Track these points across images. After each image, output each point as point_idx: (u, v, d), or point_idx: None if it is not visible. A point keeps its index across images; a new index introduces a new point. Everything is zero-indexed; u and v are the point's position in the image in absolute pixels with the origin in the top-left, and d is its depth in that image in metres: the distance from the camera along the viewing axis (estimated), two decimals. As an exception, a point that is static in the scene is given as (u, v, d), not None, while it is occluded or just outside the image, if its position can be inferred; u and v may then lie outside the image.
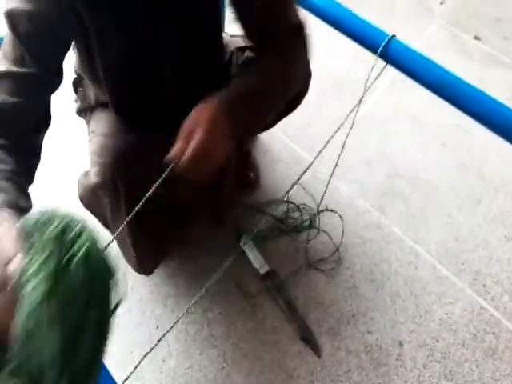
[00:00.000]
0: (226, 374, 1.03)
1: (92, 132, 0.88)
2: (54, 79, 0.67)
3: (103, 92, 0.84)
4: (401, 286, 1.17)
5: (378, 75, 0.96)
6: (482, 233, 1.28)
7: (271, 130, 1.17)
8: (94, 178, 0.81)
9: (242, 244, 1.23)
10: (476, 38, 1.80)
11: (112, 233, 0.96)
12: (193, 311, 1.12)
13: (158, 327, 1.09)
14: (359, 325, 1.10)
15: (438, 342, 1.08)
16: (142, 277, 1.17)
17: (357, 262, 1.22)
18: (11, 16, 0.61)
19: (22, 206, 0.54)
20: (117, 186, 0.80)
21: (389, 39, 0.96)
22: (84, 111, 0.97)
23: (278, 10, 0.74)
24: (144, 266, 1.01)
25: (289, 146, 1.46)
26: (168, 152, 0.64)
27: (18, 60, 0.62)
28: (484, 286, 1.18)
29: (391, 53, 0.97)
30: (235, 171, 1.14)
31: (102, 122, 0.87)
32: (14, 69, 0.61)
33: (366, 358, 1.05)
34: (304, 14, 0.81)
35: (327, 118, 1.50)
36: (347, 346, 1.07)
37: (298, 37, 0.77)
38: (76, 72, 0.93)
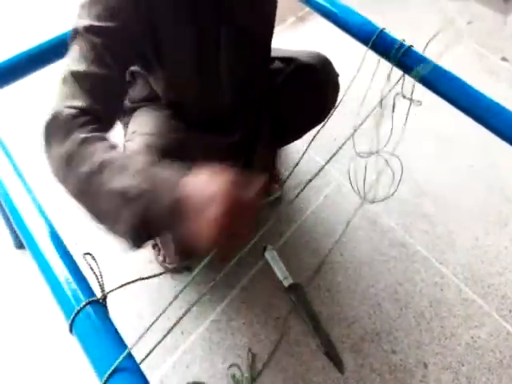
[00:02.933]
0: (248, 385, 1.01)
1: (133, 132, 0.88)
2: (126, 84, 0.67)
3: (161, 89, 0.84)
4: (426, 306, 1.14)
5: (394, 85, 0.95)
6: (508, 256, 1.24)
7: (297, 143, 1.17)
8: None
9: (266, 255, 1.21)
10: (504, 59, 1.78)
11: None
12: (217, 319, 1.10)
13: (182, 333, 1.08)
14: (383, 343, 1.07)
15: (463, 365, 1.05)
16: (168, 281, 1.17)
17: (381, 279, 1.20)
18: (89, 31, 0.62)
19: None
20: None
21: (405, 49, 0.95)
22: (123, 112, 0.97)
23: None
24: (183, 252, 0.97)
25: (312, 159, 1.45)
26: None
27: (98, 61, 0.62)
28: (510, 311, 1.14)
29: (411, 64, 0.96)
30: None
31: (145, 122, 0.87)
32: (95, 69, 0.62)
33: (390, 378, 1.02)
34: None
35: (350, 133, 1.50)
36: (371, 363, 1.04)
37: None
38: (131, 73, 0.94)
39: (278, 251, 1.21)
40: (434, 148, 1.49)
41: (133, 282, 0.67)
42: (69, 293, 0.61)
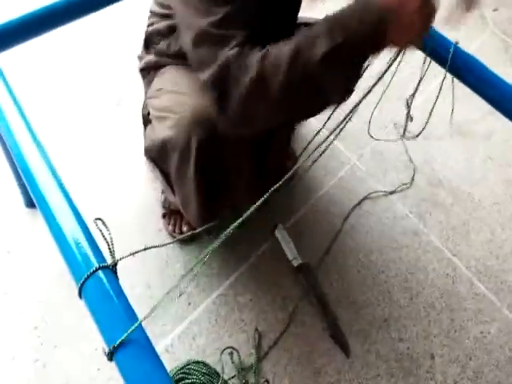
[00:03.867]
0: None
1: (158, 90, 0.84)
2: None
3: None
4: (436, 297, 1.11)
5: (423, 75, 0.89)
6: (524, 254, 1.20)
7: (312, 122, 1.11)
8: (165, 132, 0.78)
9: (276, 234, 1.18)
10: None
11: (173, 187, 0.93)
12: (224, 293, 1.08)
13: (189, 304, 1.06)
14: (391, 330, 1.05)
15: (471, 359, 1.02)
16: (177, 252, 1.14)
17: (392, 267, 1.17)
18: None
19: None
20: (189, 144, 0.76)
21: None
22: (148, 69, 0.94)
23: None
24: (204, 217, 0.95)
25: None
26: None
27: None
28: (522, 309, 1.11)
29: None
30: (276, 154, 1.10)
31: (174, 79, 0.84)
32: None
33: (396, 366, 1.00)
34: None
35: (368, 115, 1.44)
36: (378, 350, 1.02)
37: None
38: (154, 28, 0.90)
39: (288, 230, 1.18)
40: (454, 138, 1.43)
41: (143, 250, 0.65)
42: (79, 257, 0.59)
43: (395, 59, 0.67)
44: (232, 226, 0.61)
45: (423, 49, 0.88)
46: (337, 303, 1.08)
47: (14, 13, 0.90)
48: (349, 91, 0.70)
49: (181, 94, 0.80)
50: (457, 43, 0.92)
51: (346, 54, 0.62)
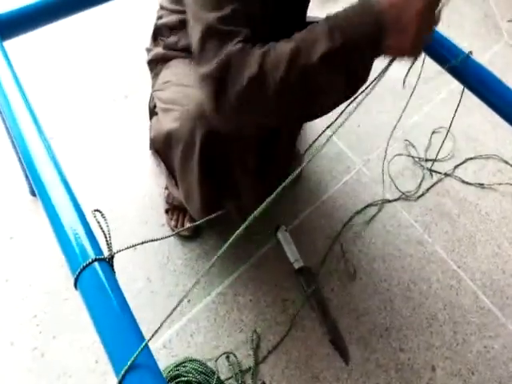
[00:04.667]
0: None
1: (165, 82, 0.83)
2: None
3: None
4: (439, 309, 1.08)
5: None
6: (530, 270, 1.17)
7: (318, 124, 1.09)
8: (170, 124, 0.77)
9: (278, 235, 1.15)
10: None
11: (177, 179, 0.92)
12: (224, 292, 1.05)
13: (189, 301, 1.03)
14: (392, 340, 1.02)
15: (473, 374, 0.99)
16: (179, 249, 1.12)
17: (395, 275, 1.14)
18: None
19: None
20: (193, 136, 0.76)
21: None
22: (155, 61, 0.93)
23: None
24: (207, 210, 0.94)
25: (335, 144, 1.37)
26: None
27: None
28: (527, 325, 1.07)
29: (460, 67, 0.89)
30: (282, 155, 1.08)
31: (182, 72, 0.83)
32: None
33: (396, 376, 0.97)
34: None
35: (376, 121, 1.42)
36: (377, 359, 0.99)
37: None
38: (163, 21, 0.89)
39: (290, 232, 1.15)
40: (464, 149, 1.40)
41: (142, 243, 0.63)
42: (76, 248, 0.58)
43: (391, 63, 0.64)
44: (238, 231, 0.58)
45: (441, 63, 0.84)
46: (338, 309, 1.06)
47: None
48: (354, 90, 0.67)
49: (187, 86, 0.79)
50: (470, 53, 0.89)
51: (345, 56, 0.60)
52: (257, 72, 0.60)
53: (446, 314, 1.07)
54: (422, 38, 0.59)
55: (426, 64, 0.93)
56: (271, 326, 1.02)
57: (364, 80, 0.65)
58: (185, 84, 0.80)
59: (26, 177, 1.13)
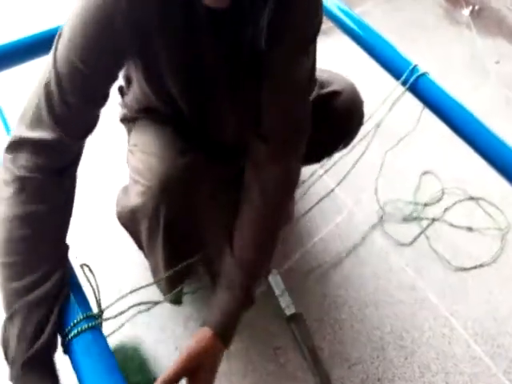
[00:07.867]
0: (238, 416, 0.94)
1: (134, 145, 0.80)
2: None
3: (162, 103, 0.79)
4: (432, 358, 1.07)
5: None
6: (521, 317, 1.17)
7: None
8: (134, 200, 0.74)
9: (270, 279, 1.15)
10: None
11: (145, 254, 0.91)
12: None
13: (176, 348, 1.01)
14: (384, 391, 1.00)
15: (466, 428, 0.97)
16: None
17: (387, 322, 1.13)
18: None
19: None
20: (158, 213, 0.73)
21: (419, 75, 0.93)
22: (127, 120, 0.91)
23: (294, 114, 0.76)
24: (173, 287, 0.92)
25: (328, 185, 1.39)
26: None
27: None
28: (519, 376, 1.07)
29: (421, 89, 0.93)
30: None
31: (147, 139, 0.79)
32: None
33: (389, 430, 0.95)
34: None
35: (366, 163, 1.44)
36: (370, 412, 0.97)
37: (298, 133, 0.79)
38: (126, 78, 0.87)
39: (281, 276, 1.15)
40: (453, 191, 1.42)
41: (129, 292, 0.67)
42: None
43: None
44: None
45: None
46: (330, 358, 1.04)
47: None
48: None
49: (150, 154, 0.76)
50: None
51: None
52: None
53: (438, 363, 1.06)
54: None
55: (416, 108, 0.96)
56: (261, 375, 0.99)
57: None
58: (147, 151, 0.77)
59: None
